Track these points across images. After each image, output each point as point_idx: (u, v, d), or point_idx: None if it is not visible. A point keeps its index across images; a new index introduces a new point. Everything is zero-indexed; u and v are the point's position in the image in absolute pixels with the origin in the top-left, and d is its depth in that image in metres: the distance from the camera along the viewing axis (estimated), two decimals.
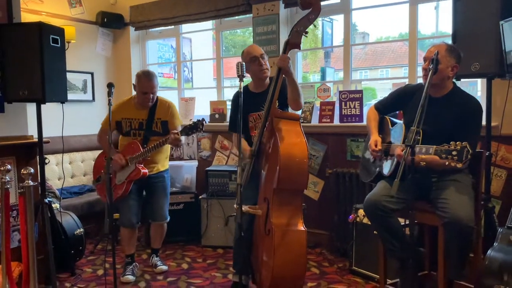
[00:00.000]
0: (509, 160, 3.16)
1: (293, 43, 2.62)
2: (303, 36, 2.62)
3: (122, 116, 3.41)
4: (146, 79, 3.28)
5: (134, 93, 3.44)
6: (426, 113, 2.42)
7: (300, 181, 2.54)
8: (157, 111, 3.40)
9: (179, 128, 3.34)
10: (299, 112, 3.84)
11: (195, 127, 3.06)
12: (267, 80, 2.97)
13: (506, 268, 2.33)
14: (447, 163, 2.03)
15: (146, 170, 3.31)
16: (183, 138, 3.20)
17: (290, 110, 3.08)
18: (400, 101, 2.71)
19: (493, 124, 3.00)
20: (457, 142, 2.01)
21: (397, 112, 3.06)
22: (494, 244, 2.54)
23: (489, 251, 2.49)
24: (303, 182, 2.56)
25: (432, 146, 2.13)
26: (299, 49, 2.71)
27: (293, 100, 2.74)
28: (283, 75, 2.66)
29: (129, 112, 3.41)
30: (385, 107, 2.82)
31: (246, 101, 2.57)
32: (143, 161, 3.31)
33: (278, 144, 2.50)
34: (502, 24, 2.63)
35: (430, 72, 2.23)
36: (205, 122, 3.07)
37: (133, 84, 3.40)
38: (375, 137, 2.64)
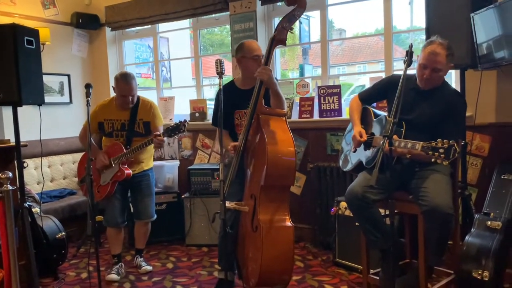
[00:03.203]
0: (484, 149, 3.26)
1: (279, 39, 2.62)
2: (288, 33, 2.63)
3: (104, 117, 3.39)
4: (123, 82, 3.26)
5: (113, 94, 3.42)
6: (413, 104, 2.48)
7: (288, 177, 2.54)
8: (139, 112, 3.38)
9: (161, 129, 3.33)
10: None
11: (177, 128, 3.06)
12: None
13: (483, 252, 2.42)
14: (433, 159, 2.07)
15: (130, 171, 3.32)
16: (165, 139, 3.19)
17: None
18: (386, 91, 2.71)
19: (467, 114, 3.09)
20: (444, 141, 2.05)
21: (374, 104, 3.11)
22: (472, 230, 2.63)
23: (466, 237, 2.58)
24: (291, 179, 2.55)
25: (419, 142, 2.17)
26: (285, 45, 2.70)
27: (276, 107, 2.75)
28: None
29: (111, 113, 3.39)
30: (370, 96, 2.85)
31: (232, 98, 2.55)
32: (127, 162, 3.31)
33: (265, 141, 2.49)
34: (472, 17, 2.71)
35: (405, 65, 2.27)
36: (187, 123, 3.07)
37: (112, 86, 3.38)
38: (358, 128, 2.67)
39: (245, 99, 2.85)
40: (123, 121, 3.37)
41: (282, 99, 2.74)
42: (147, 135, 3.31)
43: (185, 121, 3.06)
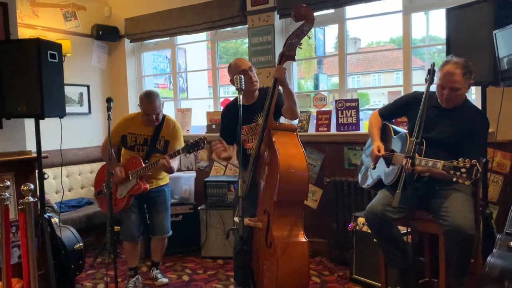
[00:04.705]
0: (505, 166, 3.20)
1: (288, 55, 2.65)
2: (297, 48, 2.65)
3: (129, 130, 3.45)
4: (147, 101, 3.32)
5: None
6: (434, 122, 2.45)
7: (301, 192, 2.54)
8: (163, 130, 3.44)
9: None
10: (295, 122, 3.88)
11: (196, 145, 3.10)
12: (256, 92, 2.98)
13: (507, 274, 2.35)
14: (454, 179, 2.04)
15: (148, 186, 3.34)
16: (175, 164, 3.27)
17: (284, 120, 3.11)
18: (407, 108, 2.71)
19: (489, 131, 3.04)
20: (466, 160, 2.02)
21: (394, 120, 3.09)
22: (494, 250, 2.56)
23: (488, 258, 2.51)
24: (304, 193, 2.56)
25: (440, 161, 2.15)
26: (294, 60, 2.74)
27: (290, 109, 2.76)
28: (279, 86, 2.68)
29: (136, 128, 3.45)
30: (390, 113, 2.85)
31: (236, 113, 2.55)
32: (145, 176, 3.33)
33: (277, 157, 2.50)
34: (495, 34, 2.68)
35: (428, 83, 2.26)
36: (206, 141, 3.11)
37: (137, 104, 3.46)
38: (377, 143, 2.67)
39: (249, 114, 2.88)
40: (146, 137, 3.42)
41: (295, 99, 2.74)
42: (166, 153, 3.35)
43: (204, 138, 3.10)
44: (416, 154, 2.26)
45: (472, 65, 2.49)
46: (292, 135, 2.68)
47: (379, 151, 2.60)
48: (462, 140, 2.43)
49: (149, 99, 3.31)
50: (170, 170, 3.30)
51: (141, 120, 3.43)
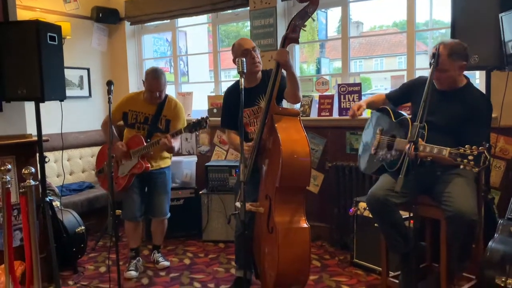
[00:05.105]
0: (508, 151, 3.19)
1: (292, 38, 2.59)
2: (301, 30, 2.61)
3: (130, 108, 3.43)
4: (152, 78, 3.30)
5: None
6: (436, 106, 2.43)
7: (303, 178, 2.52)
8: (164, 109, 3.41)
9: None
10: (297, 106, 3.85)
11: (198, 124, 3.08)
12: (259, 74, 2.95)
13: (508, 259, 2.36)
14: (461, 166, 2.02)
15: (149, 165, 3.33)
16: (177, 144, 3.25)
17: (286, 104, 3.07)
18: (410, 92, 2.70)
19: (492, 115, 3.02)
20: (473, 147, 2.00)
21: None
22: (495, 235, 2.57)
23: (490, 243, 2.52)
24: (306, 179, 2.54)
25: (446, 148, 2.12)
26: (298, 43, 2.68)
27: (293, 94, 2.72)
28: (283, 69, 2.64)
29: (137, 105, 3.42)
30: (396, 97, 2.84)
31: (238, 97, 2.53)
32: (146, 156, 3.32)
33: (279, 142, 2.47)
34: (501, 17, 2.64)
35: (432, 67, 2.23)
36: (209, 120, 3.09)
37: (142, 80, 3.43)
38: (360, 102, 2.75)
39: (251, 97, 2.85)
40: (147, 115, 3.40)
41: (298, 83, 2.70)
42: (167, 133, 3.32)
43: (207, 117, 3.09)
44: (420, 139, 2.24)
45: (466, 47, 2.46)
46: (294, 120, 2.64)
47: (358, 109, 2.73)
48: (464, 124, 2.40)
49: (155, 75, 3.29)
50: (171, 150, 3.27)
51: (143, 98, 3.41)
